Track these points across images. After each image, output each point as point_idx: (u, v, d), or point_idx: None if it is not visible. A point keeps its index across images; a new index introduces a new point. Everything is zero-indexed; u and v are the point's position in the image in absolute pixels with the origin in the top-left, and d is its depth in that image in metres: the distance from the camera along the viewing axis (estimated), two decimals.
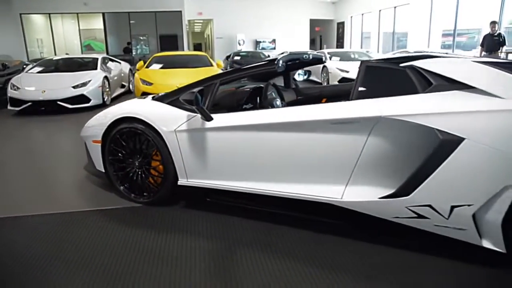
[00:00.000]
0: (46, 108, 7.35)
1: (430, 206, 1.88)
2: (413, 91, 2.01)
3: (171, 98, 2.73)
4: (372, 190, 2.06)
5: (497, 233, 1.79)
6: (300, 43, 22.06)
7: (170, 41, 19.43)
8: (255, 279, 1.92)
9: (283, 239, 2.30)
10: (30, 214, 2.77)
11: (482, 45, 8.80)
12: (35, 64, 8.78)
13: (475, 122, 1.76)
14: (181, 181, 2.66)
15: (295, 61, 2.91)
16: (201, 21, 25.88)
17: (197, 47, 35.21)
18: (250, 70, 2.57)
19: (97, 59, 8.70)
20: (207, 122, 2.46)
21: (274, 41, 22.87)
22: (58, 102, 7.26)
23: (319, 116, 2.13)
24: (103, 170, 3.00)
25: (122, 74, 9.69)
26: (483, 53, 8.69)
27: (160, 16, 17.90)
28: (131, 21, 17.86)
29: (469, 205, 1.79)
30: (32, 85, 7.43)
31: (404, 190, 1.92)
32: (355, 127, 2.04)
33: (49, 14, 16.72)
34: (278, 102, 2.90)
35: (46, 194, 3.25)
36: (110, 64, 9.14)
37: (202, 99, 2.46)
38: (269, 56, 18.33)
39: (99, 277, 1.97)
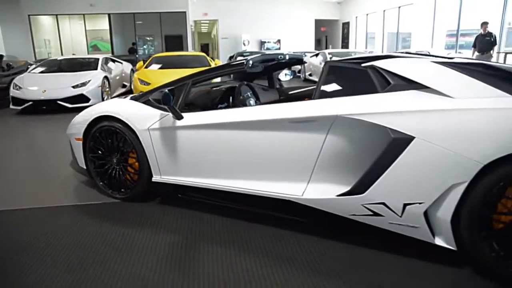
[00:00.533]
0: (47, 107, 7.52)
1: (383, 204, 1.91)
2: (373, 90, 2.05)
3: (146, 97, 2.80)
4: (330, 188, 2.10)
5: (448, 231, 1.82)
6: (305, 43, 22.04)
7: (175, 42, 19.61)
8: (215, 272, 1.98)
9: (248, 235, 2.36)
10: (12, 209, 2.87)
11: (474, 45, 8.71)
12: (37, 64, 8.97)
13: (425, 122, 1.79)
14: (155, 178, 2.73)
15: (267, 62, 2.95)
16: (207, 21, 26.01)
17: (205, 47, 35.36)
18: (221, 70, 2.63)
19: (98, 59, 8.85)
20: (177, 121, 2.53)
21: (279, 41, 22.90)
22: (58, 102, 7.42)
23: (279, 115, 2.19)
24: (85, 167, 3.09)
25: (123, 74, 9.83)
26: (476, 53, 8.60)
27: (164, 17, 18.07)
28: (136, 22, 18.07)
29: (420, 203, 1.83)
30: (33, 85, 7.60)
31: (359, 188, 1.96)
32: (314, 126, 2.09)
33: (56, 15, 17.02)
34: (252, 101, 2.95)
35: (32, 189, 3.35)
36: (111, 64, 9.29)
37: (173, 98, 2.52)
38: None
39: (64, 266, 2.04)
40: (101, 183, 3.02)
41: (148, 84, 7.54)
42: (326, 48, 24.67)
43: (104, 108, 2.92)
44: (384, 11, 17.15)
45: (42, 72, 8.35)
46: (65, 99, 7.45)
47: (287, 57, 3.11)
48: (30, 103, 7.44)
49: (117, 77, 9.28)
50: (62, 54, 16.95)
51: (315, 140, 2.11)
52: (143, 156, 2.72)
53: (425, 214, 1.86)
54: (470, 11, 12.58)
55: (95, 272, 2.00)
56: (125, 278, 1.95)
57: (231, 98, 2.96)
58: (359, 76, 2.15)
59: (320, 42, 26.51)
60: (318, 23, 23.87)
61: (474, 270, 1.88)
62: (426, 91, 1.90)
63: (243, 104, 2.80)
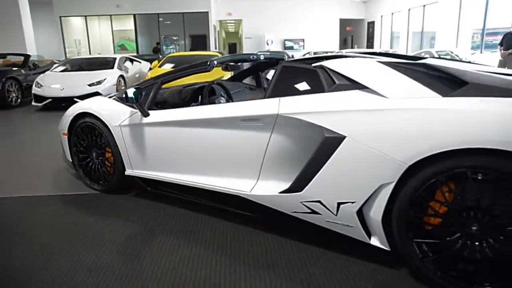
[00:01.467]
0: (66, 104, 7.91)
1: (320, 202, 1.94)
2: (320, 90, 2.07)
3: (120, 96, 2.95)
4: (275, 185, 2.15)
5: (380, 231, 1.83)
6: (330, 43, 21.82)
7: (198, 41, 20.01)
8: (162, 260, 2.08)
9: (203, 227, 2.44)
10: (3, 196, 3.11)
11: (501, 44, 8.35)
12: (59, 63, 9.46)
13: (355, 121, 1.80)
14: (128, 172, 2.87)
15: (238, 62, 3.02)
16: (233, 21, 26.28)
17: (232, 47, 35.70)
18: (186, 71, 2.72)
19: (115, 59, 9.21)
20: (144, 118, 2.65)
21: (302, 41, 22.81)
22: (75, 99, 7.80)
23: (231, 114, 2.25)
24: (71, 160, 3.29)
25: (140, 73, 10.16)
26: (502, 51, 8.24)
27: (188, 17, 18.45)
28: (160, 22, 18.57)
29: (352, 202, 1.84)
30: (53, 83, 8.03)
31: (297, 186, 1.99)
32: (260, 124, 2.14)
33: (85, 16, 17.80)
34: (222, 100, 3.03)
35: (24, 179, 3.58)
36: (128, 63, 9.63)
37: (141, 97, 2.63)
38: (292, 56, 18.40)
39: (30, 248, 2.21)
40: (83, 175, 3.21)
41: None
42: (352, 47, 24.31)
43: (85, 105, 3.09)
44: (409, 9, 16.71)
45: (62, 71, 8.80)
46: (81, 97, 7.81)
47: (261, 57, 3.15)
48: (50, 100, 7.87)
49: (134, 76, 9.62)
50: (90, 53, 17.71)
51: (262, 138, 2.16)
52: (116, 150, 2.87)
53: (360, 213, 1.87)
54: (499, 9, 12.03)
55: (54, 257, 2.16)
56: (79, 262, 2.08)
57: (200, 97, 3.05)
58: (308, 76, 2.17)
59: (346, 42, 26.15)
60: (344, 23, 23.56)
61: (409, 271, 1.87)
62: (366, 91, 1.91)
63: (211, 103, 2.88)
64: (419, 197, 1.67)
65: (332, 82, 2.06)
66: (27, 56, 9.71)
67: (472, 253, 1.62)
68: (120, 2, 17.24)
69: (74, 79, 8.24)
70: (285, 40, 22.88)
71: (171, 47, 20.07)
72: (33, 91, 8.08)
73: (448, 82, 1.78)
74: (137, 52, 18.04)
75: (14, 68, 9.00)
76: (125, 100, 2.54)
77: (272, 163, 2.18)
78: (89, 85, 7.96)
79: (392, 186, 1.71)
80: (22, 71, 9.11)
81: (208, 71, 2.60)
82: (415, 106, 1.69)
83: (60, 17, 17.52)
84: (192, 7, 17.66)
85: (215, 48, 20.07)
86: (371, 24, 21.46)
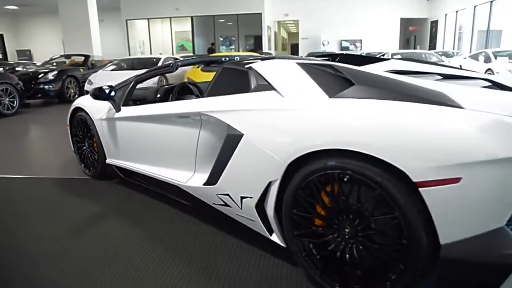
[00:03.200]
0: None
1: (228, 195, 2.07)
2: (246, 90, 2.19)
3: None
4: (203, 177, 2.30)
5: (276, 227, 1.90)
6: (389, 44, 20.92)
7: (253, 42, 20.51)
8: (115, 243, 2.34)
9: (155, 216, 2.68)
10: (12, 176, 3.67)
11: None
12: (111, 63, 10.43)
13: (251, 120, 1.90)
14: (108, 160, 3.22)
15: (210, 64, 3.19)
16: (293, 22, 26.37)
17: (295, 47, 35.85)
18: (155, 71, 2.99)
19: (160, 59, 9.92)
20: (116, 113, 2.97)
21: (360, 41, 22.16)
22: None
23: (170, 111, 2.46)
24: (73, 148, 3.75)
25: (184, 72, 10.78)
26: None
27: (242, 18, 18.98)
28: (216, 23, 19.35)
29: (250, 197, 1.94)
30: (102, 81, 8.91)
31: (213, 179, 2.14)
32: (190, 121, 2.32)
33: (148, 19, 19.20)
34: (189, 99, 3.24)
35: (35, 164, 4.15)
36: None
37: (115, 94, 2.95)
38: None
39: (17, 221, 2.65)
40: (79, 162, 3.65)
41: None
42: (415, 48, 23.02)
43: (80, 101, 3.52)
44: (474, 6, 15.41)
45: (113, 70, 9.71)
46: None
47: (236, 59, 3.30)
48: None
49: (176, 75, 10.24)
50: (151, 54, 19.06)
51: (193, 134, 2.34)
52: (99, 141, 3.23)
53: (261, 209, 1.95)
54: None
55: (25, 231, 2.56)
56: (41, 237, 2.45)
57: (170, 96, 3.30)
58: (241, 77, 2.29)
59: (409, 42, 24.82)
60: (407, 22, 22.41)
61: None
62: (273, 92, 1.99)
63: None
64: (299, 195, 1.72)
65: (255, 83, 2.16)
66: (87, 56, 10.86)
67: (347, 255, 1.64)
68: (179, 5, 18.32)
69: (121, 77, 8.99)
70: (341, 40, 22.43)
71: (226, 47, 20.81)
72: (85, 88, 9.05)
73: (342, 84, 1.79)
74: (193, 53, 19.00)
75: (73, 67, 10.14)
76: (94, 97, 2.88)
77: (203, 157, 2.34)
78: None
79: (277, 183, 1.78)
80: (81, 69, 10.21)
81: (171, 72, 2.83)
82: (298, 107, 1.75)
83: (126, 20, 19.12)
84: (246, 8, 18.14)
85: (269, 49, 20.36)
86: (434, 23, 20.12)
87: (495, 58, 9.91)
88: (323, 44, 22.60)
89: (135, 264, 2.06)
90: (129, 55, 19.17)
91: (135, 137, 2.85)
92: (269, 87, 2.02)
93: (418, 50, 14.14)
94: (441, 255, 1.35)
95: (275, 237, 1.96)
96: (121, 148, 3.03)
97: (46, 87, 9.07)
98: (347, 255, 1.62)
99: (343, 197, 1.58)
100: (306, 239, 1.76)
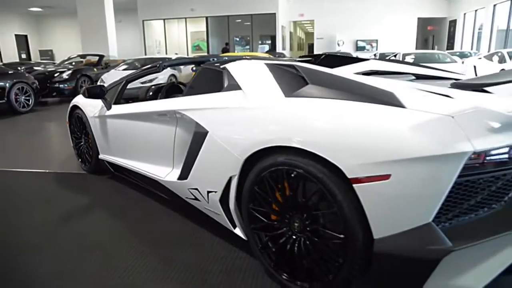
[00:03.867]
0: None
1: (197, 189, 2.16)
2: (219, 90, 2.28)
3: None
4: (178, 172, 2.40)
5: (238, 220, 1.99)
6: (406, 44, 20.59)
7: (267, 42, 20.60)
8: (97, 233, 2.48)
9: (138, 209, 2.80)
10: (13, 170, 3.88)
11: None
12: (124, 62, 10.70)
13: (215, 118, 2.00)
14: (100, 156, 3.37)
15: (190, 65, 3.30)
16: (309, 21, 26.29)
17: (312, 47, 35.78)
18: (144, 71, 3.11)
19: (171, 58, 10.11)
20: (107, 110, 3.12)
21: (376, 41, 21.89)
22: None
23: (151, 109, 2.57)
24: (72, 144, 3.93)
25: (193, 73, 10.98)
26: None
27: (256, 18, 19.09)
28: (230, 24, 19.52)
29: (215, 192, 2.03)
30: (113, 80, 9.18)
31: (184, 174, 2.24)
32: (168, 119, 2.42)
33: (164, 19, 19.55)
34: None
35: (40, 158, 4.35)
36: None
37: (106, 93, 3.10)
38: (357, 57, 17.80)
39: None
40: (76, 156, 3.82)
41: None
42: (433, 48, 22.56)
43: (77, 99, 3.68)
44: (494, 5, 15.00)
45: (125, 69, 9.97)
46: None
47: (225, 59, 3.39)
48: None
49: (186, 75, 10.44)
50: (166, 53, 19.39)
51: (170, 130, 2.44)
52: (92, 137, 3.39)
53: (225, 203, 2.03)
54: None
55: (14, 221, 2.73)
56: (28, 226, 2.61)
57: (159, 95, 3.41)
58: (216, 77, 2.38)
59: (427, 42, 24.33)
60: (425, 22, 21.99)
61: None
62: (240, 91, 2.06)
63: None
64: (254, 191, 1.79)
65: (227, 83, 2.25)
66: (101, 56, 11.19)
67: (296, 248, 1.70)
68: (194, 6, 18.59)
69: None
70: (357, 40, 22.21)
71: (242, 47, 20.94)
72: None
73: (299, 83, 1.85)
74: (208, 53, 19.22)
75: (87, 67, 10.47)
76: (84, 95, 3.03)
77: (179, 153, 2.44)
78: (142, 82, 8.89)
79: (236, 178, 1.86)
80: (95, 69, 10.53)
81: (158, 72, 2.95)
82: (255, 105, 1.83)
83: (143, 20, 19.53)
84: (260, 8, 18.23)
85: (283, 49, 20.39)
86: (452, 23, 19.67)
87: (510, 58, 9.64)
88: (338, 44, 22.45)
89: (109, 251, 2.19)
90: (145, 54, 19.56)
91: (122, 134, 2.99)
92: (237, 86, 2.10)
93: (430, 51, 13.86)
94: (374, 249, 1.40)
95: (238, 231, 2.04)
96: (110, 144, 3.17)
97: (61, 86, 9.40)
98: (296, 248, 1.69)
99: (291, 192, 1.65)
100: (261, 232, 1.84)
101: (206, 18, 19.16)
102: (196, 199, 2.22)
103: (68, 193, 3.21)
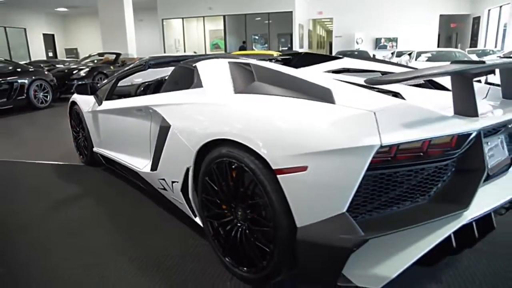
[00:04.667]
0: None
1: (164, 180, 2.31)
2: (188, 87, 2.42)
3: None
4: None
5: (195, 209, 2.12)
6: (427, 41, 20.12)
7: (285, 40, 20.61)
8: (81, 219, 2.69)
9: (122, 198, 2.99)
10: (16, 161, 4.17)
11: None
12: (138, 61, 11.03)
13: (176, 113, 2.14)
14: (94, 149, 3.59)
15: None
16: (329, 19, 26.10)
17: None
18: (131, 69, 3.29)
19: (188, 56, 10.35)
20: (98, 106, 3.32)
21: (395, 40, 21.50)
22: None
23: (131, 104, 2.74)
24: (72, 138, 4.18)
25: None
26: None
27: (273, 17, 19.16)
28: (247, 22, 19.67)
29: (177, 182, 2.17)
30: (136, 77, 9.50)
31: (154, 165, 2.39)
32: (144, 114, 2.58)
33: (183, 18, 19.91)
34: None
35: (45, 151, 4.63)
36: None
37: (93, 89, 3.31)
38: (374, 56, 17.55)
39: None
40: (76, 149, 4.07)
41: None
42: (456, 47, 21.93)
43: (74, 95, 3.91)
44: None
45: None
46: None
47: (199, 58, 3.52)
48: None
49: None
50: (185, 52, 19.75)
51: (146, 125, 2.60)
52: (87, 130, 3.61)
53: (186, 192, 2.16)
54: None
55: (8, 207, 2.97)
56: (21, 211, 2.85)
57: (147, 91, 3.59)
58: (188, 75, 2.52)
59: (451, 40, 23.68)
60: (448, 19, 21.42)
61: None
62: (202, 88, 2.19)
63: None
64: (205, 181, 1.92)
65: (195, 80, 2.38)
66: (118, 54, 11.57)
67: (239, 236, 1.81)
68: (212, 5, 18.85)
69: (145, 74, 9.57)
70: (376, 38, 21.90)
71: (261, 45, 21.04)
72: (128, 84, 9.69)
73: (249, 80, 1.96)
74: (225, 51, 19.43)
75: (104, 65, 10.87)
76: (76, 92, 3.24)
77: (154, 146, 2.60)
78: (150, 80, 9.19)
79: (192, 169, 1.99)
80: (111, 67, 10.91)
81: (144, 70, 3.12)
82: (208, 101, 1.96)
83: (162, 19, 19.97)
84: (277, 7, 18.29)
85: (300, 47, 20.35)
86: (476, 20, 19.06)
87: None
88: (357, 42, 22.20)
89: (87, 235, 2.39)
90: (164, 53, 20.00)
91: (109, 128, 3.18)
92: (201, 84, 2.24)
93: (446, 49, 13.49)
94: (297, 237, 1.50)
95: (198, 219, 2.17)
96: (101, 137, 3.37)
97: (78, 83, 9.81)
98: (239, 236, 1.80)
99: (233, 182, 1.77)
100: (213, 220, 1.96)
101: (224, 16, 19.39)
102: (164, 189, 2.38)
103: (63, 183, 3.45)
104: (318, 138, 1.42)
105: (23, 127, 6.62)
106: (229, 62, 2.26)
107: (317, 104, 1.56)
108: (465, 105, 1.52)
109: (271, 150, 1.52)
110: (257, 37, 20.99)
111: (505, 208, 1.91)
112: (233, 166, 1.72)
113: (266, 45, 20.81)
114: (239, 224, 1.81)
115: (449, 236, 1.46)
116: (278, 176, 1.50)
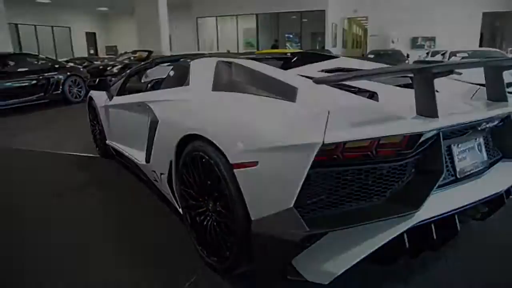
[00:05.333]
0: None
1: (155, 172, 2.46)
2: (182, 84, 2.55)
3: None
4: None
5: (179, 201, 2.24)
6: (468, 41, 19.18)
7: (317, 39, 20.45)
8: (84, 206, 2.92)
9: (126, 189, 3.19)
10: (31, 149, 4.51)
11: None
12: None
13: (163, 109, 2.28)
14: (107, 141, 3.82)
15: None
16: (365, 18, 25.54)
17: None
18: (140, 67, 3.49)
19: (203, 54, 10.60)
20: (109, 101, 3.54)
21: (433, 39, 20.67)
22: None
23: (134, 100, 2.91)
24: (91, 131, 4.47)
25: None
26: None
27: (306, 15, 19.06)
28: (280, 21, 19.70)
29: (164, 174, 2.30)
30: (156, 74, 9.86)
31: (148, 157, 2.54)
32: (142, 109, 2.74)
33: (216, 17, 20.26)
34: None
35: (69, 142, 4.96)
36: None
37: (107, 86, 3.53)
38: (408, 55, 16.96)
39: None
40: (93, 141, 4.34)
41: None
42: (500, 46, 20.74)
43: (92, 91, 4.17)
44: None
45: (169, 65, 10.64)
46: None
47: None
48: None
49: None
50: (218, 50, 20.11)
51: (145, 119, 2.75)
52: (101, 124, 3.85)
53: (171, 184, 2.28)
54: None
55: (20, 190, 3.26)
56: (30, 195, 3.12)
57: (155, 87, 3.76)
58: (184, 72, 2.64)
59: (495, 39, 22.42)
60: (493, 17, 20.30)
61: None
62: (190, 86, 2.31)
63: None
64: (182, 173, 2.04)
65: (188, 78, 2.50)
66: (150, 52, 12.02)
67: (210, 226, 1.91)
68: (245, 3, 19.05)
69: (161, 72, 9.93)
70: (413, 38, 21.17)
71: (295, 44, 20.99)
72: (142, 80, 10.09)
73: (227, 79, 2.05)
74: (257, 49, 19.55)
75: (136, 62, 11.33)
76: (88, 87, 3.47)
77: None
78: None
79: (174, 162, 2.12)
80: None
81: (151, 67, 3.30)
82: (189, 98, 2.08)
83: (197, 18, 20.43)
84: (310, 6, 18.16)
85: (333, 46, 20.06)
86: None
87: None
88: (393, 42, 21.57)
89: (87, 219, 2.58)
90: (198, 50, 20.47)
91: (117, 122, 3.39)
92: (189, 81, 2.36)
93: (483, 48, 12.77)
94: (252, 230, 1.57)
95: (181, 210, 2.30)
96: (112, 130, 3.59)
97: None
98: (209, 226, 1.90)
99: (203, 175, 1.87)
100: (190, 211, 2.07)
101: (256, 15, 19.51)
102: (156, 180, 2.52)
103: (75, 172, 3.70)
104: (267, 135, 1.49)
105: (55, 120, 7.07)
106: (217, 61, 2.36)
107: (277, 102, 1.63)
108: (426, 105, 1.51)
109: (230, 145, 1.61)
110: (291, 36, 20.96)
111: (484, 213, 1.88)
112: (203, 160, 1.82)
113: (299, 44, 20.72)
114: (210, 215, 1.91)
115: (402, 237, 1.48)
116: (234, 170, 1.58)
